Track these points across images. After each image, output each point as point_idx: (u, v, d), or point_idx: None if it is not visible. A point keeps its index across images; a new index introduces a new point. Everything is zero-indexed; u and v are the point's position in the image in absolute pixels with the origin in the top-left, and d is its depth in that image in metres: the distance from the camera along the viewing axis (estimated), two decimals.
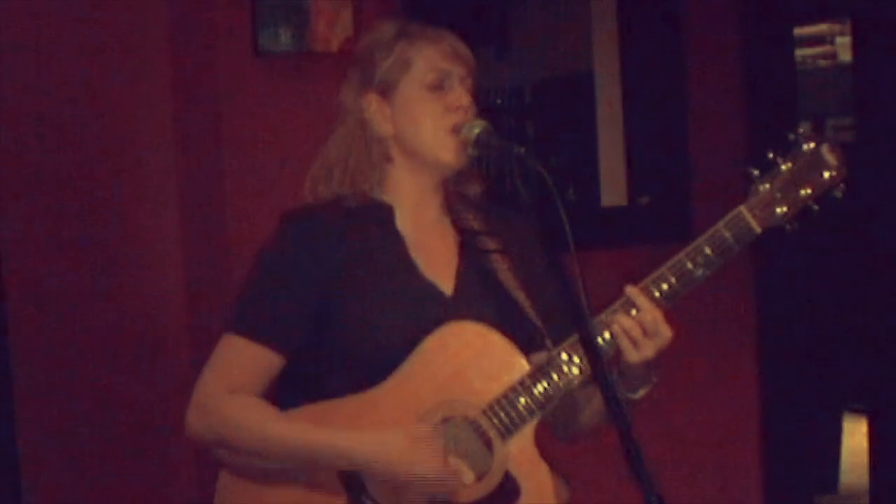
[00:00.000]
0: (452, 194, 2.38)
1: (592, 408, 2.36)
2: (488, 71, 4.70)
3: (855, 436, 5.90)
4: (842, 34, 7.51)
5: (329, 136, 2.37)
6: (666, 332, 2.22)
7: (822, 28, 7.69)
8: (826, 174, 2.21)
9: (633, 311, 2.22)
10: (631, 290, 2.23)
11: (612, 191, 4.72)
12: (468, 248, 2.36)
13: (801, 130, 2.23)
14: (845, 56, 7.32)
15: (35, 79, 3.48)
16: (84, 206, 3.50)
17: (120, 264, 3.51)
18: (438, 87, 2.29)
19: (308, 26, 3.62)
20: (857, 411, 6.03)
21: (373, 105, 2.32)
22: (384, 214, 2.33)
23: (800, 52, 6.66)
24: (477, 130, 2.26)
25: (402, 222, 2.34)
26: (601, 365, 2.11)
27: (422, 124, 2.29)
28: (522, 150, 2.18)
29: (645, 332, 2.21)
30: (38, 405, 3.48)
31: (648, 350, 2.21)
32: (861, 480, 5.23)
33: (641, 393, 2.28)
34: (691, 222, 4.42)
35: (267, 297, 2.28)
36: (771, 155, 2.22)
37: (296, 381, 2.29)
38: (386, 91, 2.31)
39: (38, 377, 3.48)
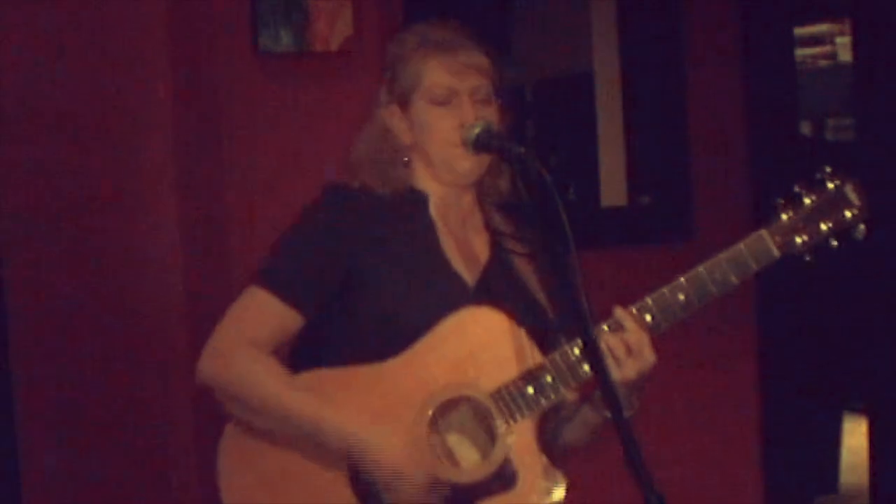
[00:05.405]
0: (484, 194, 2.44)
1: (575, 427, 2.38)
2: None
3: (855, 436, 5.90)
4: (842, 34, 7.52)
5: (362, 124, 2.45)
6: (649, 356, 2.23)
7: (822, 28, 7.69)
8: (848, 212, 2.28)
9: (619, 332, 2.23)
10: (619, 312, 2.24)
11: (612, 191, 4.72)
12: (497, 248, 2.41)
13: (827, 169, 2.29)
14: (845, 56, 7.32)
15: (35, 79, 3.48)
16: (84, 207, 3.50)
17: (120, 265, 3.51)
18: (445, 102, 2.34)
19: (308, 26, 3.62)
20: (857, 411, 6.03)
21: (395, 115, 2.39)
22: (419, 201, 2.39)
23: (800, 52, 6.67)
24: (477, 130, 2.30)
25: (435, 211, 2.39)
26: (602, 363, 2.13)
27: (433, 138, 2.36)
28: (522, 149, 2.21)
29: (629, 353, 2.22)
30: (38, 405, 3.48)
31: (630, 371, 2.23)
32: (861, 480, 5.23)
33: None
34: (691, 222, 4.43)
35: (295, 257, 2.34)
36: (797, 188, 2.28)
37: (312, 344, 2.33)
38: (404, 103, 2.38)
39: (38, 377, 3.48)
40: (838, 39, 7.68)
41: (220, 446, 2.34)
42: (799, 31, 6.11)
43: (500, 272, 2.39)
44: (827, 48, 7.84)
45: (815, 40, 7.76)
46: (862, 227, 2.29)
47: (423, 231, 2.37)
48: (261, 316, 2.31)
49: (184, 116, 3.51)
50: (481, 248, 2.41)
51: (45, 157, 3.49)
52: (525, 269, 2.41)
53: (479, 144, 2.29)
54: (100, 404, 3.49)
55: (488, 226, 2.43)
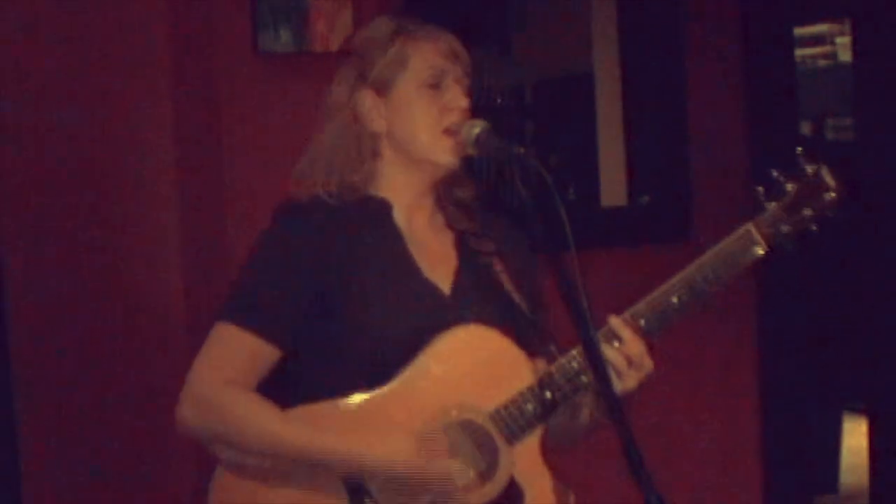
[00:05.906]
0: (444, 195, 2.37)
1: (569, 429, 2.35)
2: (488, 71, 4.71)
3: (855, 436, 5.90)
4: (842, 34, 7.53)
5: (315, 133, 2.36)
6: (649, 365, 2.21)
7: (822, 28, 7.71)
8: (826, 196, 2.24)
9: (616, 343, 2.20)
10: (614, 321, 2.22)
11: (612, 191, 4.72)
12: (464, 249, 2.35)
13: (799, 151, 2.27)
14: (845, 56, 7.33)
15: (35, 79, 3.48)
16: (84, 206, 3.50)
17: (120, 264, 3.51)
18: (435, 85, 2.28)
19: (308, 26, 3.62)
20: (857, 411, 6.03)
21: (367, 101, 2.30)
22: (382, 210, 2.32)
23: (800, 52, 6.67)
24: (477, 130, 2.25)
25: (400, 219, 2.32)
26: (602, 364, 2.11)
27: (418, 123, 2.28)
28: (522, 149, 2.18)
29: (630, 364, 2.20)
30: (38, 405, 3.48)
31: (631, 382, 2.21)
32: (861, 480, 5.23)
33: None
34: (691, 222, 4.43)
35: (260, 287, 2.24)
36: (775, 174, 2.25)
37: (291, 377, 2.26)
38: (382, 88, 2.30)
39: (38, 377, 3.48)
40: (838, 39, 7.69)
41: (210, 488, 2.28)
42: (799, 31, 6.11)
43: (472, 275, 2.33)
44: (827, 48, 7.85)
45: (815, 40, 7.77)
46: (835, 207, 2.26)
47: (390, 241, 2.30)
48: (234, 353, 2.22)
49: (184, 116, 3.51)
50: (448, 250, 2.34)
51: (45, 157, 3.48)
52: (495, 269, 2.34)
53: (480, 144, 2.24)
54: (100, 404, 3.49)
55: (451, 225, 2.37)
